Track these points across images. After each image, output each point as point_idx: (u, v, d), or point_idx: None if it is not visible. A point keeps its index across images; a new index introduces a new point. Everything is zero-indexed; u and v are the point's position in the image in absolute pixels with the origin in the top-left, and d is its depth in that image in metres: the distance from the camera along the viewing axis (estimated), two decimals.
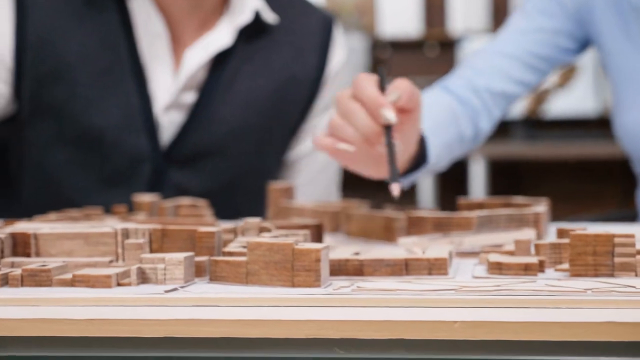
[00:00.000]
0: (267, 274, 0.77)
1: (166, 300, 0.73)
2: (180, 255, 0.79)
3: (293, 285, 0.76)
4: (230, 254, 0.82)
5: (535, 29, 1.47)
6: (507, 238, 0.98)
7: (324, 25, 1.60)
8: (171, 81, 1.50)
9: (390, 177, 1.03)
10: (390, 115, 1.03)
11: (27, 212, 1.31)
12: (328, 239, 1.11)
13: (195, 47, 1.50)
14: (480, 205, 1.18)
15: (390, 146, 1.04)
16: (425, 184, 4.16)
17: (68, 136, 1.48)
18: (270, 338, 0.68)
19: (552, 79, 4.28)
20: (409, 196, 4.23)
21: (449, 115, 1.38)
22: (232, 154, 1.53)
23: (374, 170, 1.13)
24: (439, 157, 1.31)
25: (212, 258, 0.81)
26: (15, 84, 1.46)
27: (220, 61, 1.51)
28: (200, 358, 0.70)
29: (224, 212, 1.32)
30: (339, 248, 0.96)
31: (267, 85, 1.54)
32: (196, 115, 1.50)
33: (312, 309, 0.71)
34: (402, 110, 1.06)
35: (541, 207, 1.09)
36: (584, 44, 1.50)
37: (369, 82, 1.05)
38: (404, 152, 1.13)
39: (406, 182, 1.32)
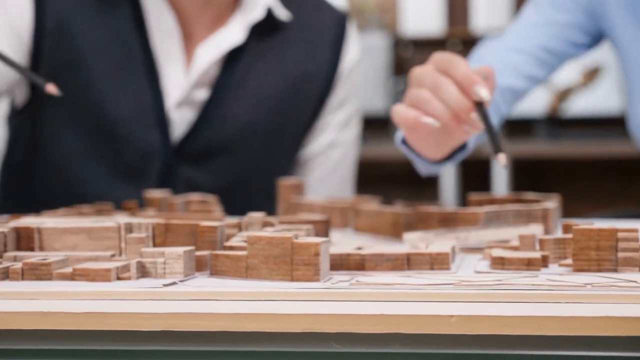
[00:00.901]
0: (267, 268, 0.77)
1: (164, 294, 0.73)
2: (180, 250, 0.79)
3: (292, 280, 0.76)
4: (232, 248, 0.82)
5: (547, 23, 1.46)
6: (513, 234, 0.97)
7: (337, 22, 1.60)
8: (182, 77, 1.50)
9: (494, 148, 1.01)
10: (484, 93, 1.02)
11: (38, 207, 1.32)
12: (336, 234, 1.11)
13: (207, 43, 1.50)
14: (490, 201, 1.17)
15: (487, 120, 1.03)
16: (447, 183, 4.15)
17: (81, 126, 1.48)
18: (266, 332, 0.68)
19: (576, 77, 4.26)
20: (431, 194, 4.22)
21: None
22: (243, 151, 1.53)
23: (436, 150, 1.15)
24: None
25: (212, 252, 0.80)
26: (31, 68, 1.46)
27: (232, 58, 1.51)
28: (197, 352, 0.69)
29: (235, 209, 1.32)
30: (343, 243, 0.96)
31: (280, 82, 1.54)
32: (208, 112, 1.50)
33: (309, 303, 0.70)
34: None
35: (550, 203, 1.08)
36: (596, 37, 1.48)
37: (462, 60, 1.05)
38: (459, 137, 1.13)
39: (436, 168, 1.33)
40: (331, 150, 1.62)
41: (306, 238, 0.77)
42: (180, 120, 1.50)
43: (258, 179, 1.55)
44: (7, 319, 0.69)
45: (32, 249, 0.87)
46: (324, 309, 0.68)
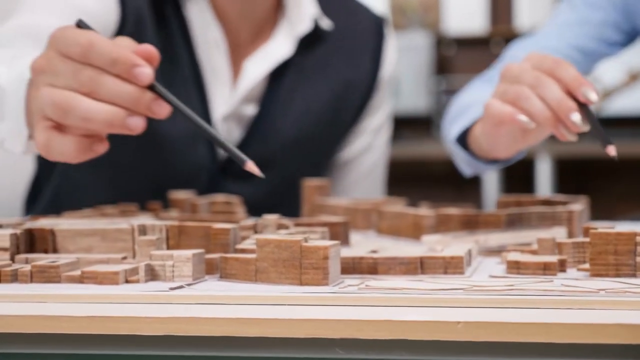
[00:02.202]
0: (276, 271, 0.76)
1: (168, 298, 0.72)
2: (189, 252, 0.78)
3: (301, 284, 0.75)
4: (243, 250, 0.81)
5: (580, 21, 1.43)
6: (535, 236, 0.95)
7: (376, 29, 1.58)
8: (229, 91, 1.47)
9: (603, 141, 0.98)
10: (592, 95, 1.00)
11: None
12: (358, 236, 1.10)
13: (255, 58, 1.47)
14: (517, 203, 1.15)
15: (592, 118, 1.00)
16: (490, 184, 4.12)
17: (130, 140, 1.47)
18: (270, 337, 0.66)
19: (621, 77, 4.21)
20: (474, 195, 4.19)
21: None
22: (287, 164, 1.50)
23: (508, 149, 1.14)
24: None
25: (222, 255, 0.79)
26: None
27: (278, 71, 1.48)
28: (199, 357, 0.68)
29: None
30: (361, 245, 0.94)
31: (324, 93, 1.52)
32: (255, 128, 1.48)
33: (314, 308, 0.69)
34: None
35: (576, 205, 1.06)
36: (631, 36, 1.46)
37: (570, 64, 1.02)
38: (537, 139, 1.12)
39: (489, 169, 1.32)
40: (366, 155, 1.61)
41: (315, 241, 0.76)
42: (226, 135, 1.47)
43: (299, 189, 1.54)
44: (10, 321, 0.69)
45: (46, 251, 0.87)
46: (329, 314, 0.67)
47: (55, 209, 1.44)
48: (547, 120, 1.01)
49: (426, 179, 4.40)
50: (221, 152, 1.47)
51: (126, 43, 0.82)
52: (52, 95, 0.80)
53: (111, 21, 1.38)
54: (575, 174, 4.41)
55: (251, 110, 1.48)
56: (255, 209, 1.27)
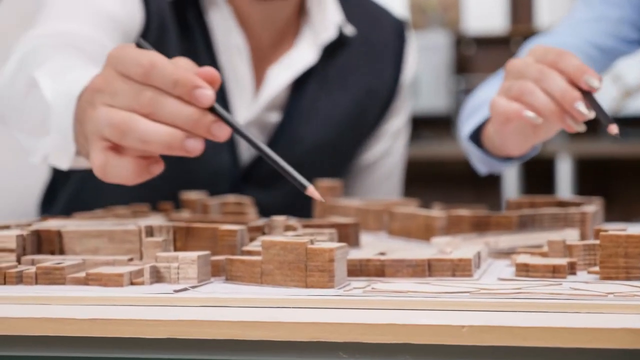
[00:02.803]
0: (282, 274, 0.75)
1: (172, 301, 0.72)
2: (194, 254, 0.78)
3: (307, 286, 0.74)
4: (250, 252, 0.81)
5: (597, 18, 1.41)
6: (546, 238, 0.94)
7: (398, 33, 1.57)
8: (251, 98, 1.46)
9: (605, 121, 0.96)
10: (596, 82, 0.98)
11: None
12: (369, 237, 1.09)
13: (279, 65, 1.46)
14: (530, 204, 1.14)
15: (595, 102, 0.98)
16: (510, 184, 4.10)
17: None
18: (273, 341, 0.66)
19: None
20: (494, 195, 4.17)
21: None
22: (308, 170, 1.49)
23: (520, 145, 1.13)
24: None
25: (228, 257, 0.79)
26: None
27: (301, 79, 1.47)
28: None
29: None
30: (371, 247, 0.93)
31: (346, 100, 1.51)
32: (278, 135, 1.47)
33: (318, 311, 0.68)
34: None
35: (590, 207, 1.05)
36: None
37: (573, 54, 1.01)
38: (548, 134, 1.10)
39: (504, 167, 1.31)
40: (385, 158, 1.61)
41: (322, 243, 0.75)
42: None
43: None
44: (13, 324, 0.68)
45: (53, 252, 0.87)
46: (333, 317, 0.66)
47: (72, 212, 1.43)
48: (552, 113, 0.99)
49: (445, 179, 4.38)
50: (243, 158, 1.46)
51: (185, 64, 0.80)
52: (110, 116, 0.78)
53: (135, 27, 1.37)
54: (596, 174, 4.38)
55: (274, 117, 1.47)
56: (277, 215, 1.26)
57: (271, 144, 1.46)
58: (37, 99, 0.99)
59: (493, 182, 4.14)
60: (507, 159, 1.26)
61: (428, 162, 4.11)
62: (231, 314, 0.68)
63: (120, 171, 0.80)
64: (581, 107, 0.97)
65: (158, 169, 0.82)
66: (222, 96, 1.43)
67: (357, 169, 1.60)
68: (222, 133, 0.79)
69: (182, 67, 0.79)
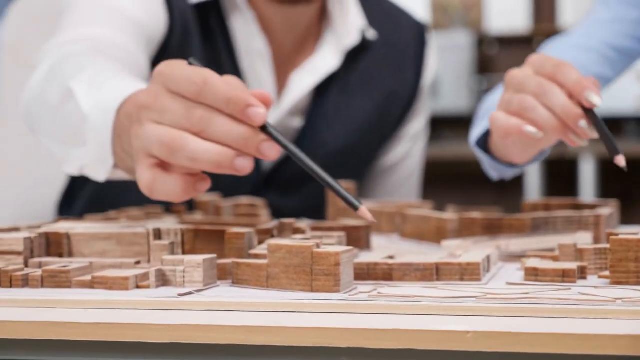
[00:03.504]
0: (287, 277, 0.75)
1: (176, 304, 0.71)
2: (199, 258, 0.77)
3: (312, 290, 0.73)
4: (256, 256, 0.80)
5: (614, 19, 1.40)
6: (558, 242, 0.93)
7: (419, 36, 1.57)
8: (274, 103, 1.45)
9: (611, 152, 0.95)
10: (596, 99, 0.95)
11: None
12: (381, 240, 1.08)
13: (301, 71, 1.45)
14: (546, 207, 1.13)
15: (600, 125, 0.96)
16: (532, 185, 4.08)
17: None
18: (276, 346, 0.65)
19: None
20: (516, 195, 4.15)
21: None
22: (330, 174, 1.48)
23: (522, 155, 1.12)
24: None
25: (234, 260, 0.78)
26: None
27: (324, 84, 1.47)
28: None
29: None
30: (380, 250, 0.93)
31: (368, 104, 1.51)
32: (301, 140, 1.46)
33: (322, 316, 0.68)
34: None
35: (605, 209, 1.04)
36: None
37: (572, 66, 0.99)
38: (550, 144, 1.09)
39: (512, 172, 1.30)
40: (405, 161, 1.60)
41: (327, 247, 0.75)
42: None
43: None
44: (16, 328, 0.68)
45: (61, 255, 0.86)
46: (337, 322, 0.66)
47: (91, 214, 1.43)
48: (554, 129, 0.98)
49: (467, 180, 4.36)
50: (265, 164, 1.46)
51: (236, 82, 0.78)
52: (160, 134, 0.76)
53: (159, 32, 1.36)
54: (619, 176, 4.35)
55: (297, 122, 1.47)
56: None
57: None
58: (72, 109, 0.98)
59: (515, 183, 4.12)
60: (515, 165, 1.25)
61: (450, 163, 4.09)
62: (235, 318, 0.67)
63: (167, 188, 0.79)
64: (583, 124, 0.96)
65: (205, 186, 0.80)
66: None
67: (377, 171, 1.60)
68: (272, 152, 0.77)
69: (234, 85, 0.77)
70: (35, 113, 1.08)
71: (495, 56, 4.50)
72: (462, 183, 4.37)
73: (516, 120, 1.00)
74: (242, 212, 1.18)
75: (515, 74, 1.01)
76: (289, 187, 1.48)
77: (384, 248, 0.99)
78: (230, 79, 0.77)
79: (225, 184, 1.43)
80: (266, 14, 1.43)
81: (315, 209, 1.46)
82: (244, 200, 1.20)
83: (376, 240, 1.07)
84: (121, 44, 1.23)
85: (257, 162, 1.45)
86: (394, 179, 1.60)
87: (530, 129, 0.99)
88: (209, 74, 0.76)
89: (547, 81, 0.98)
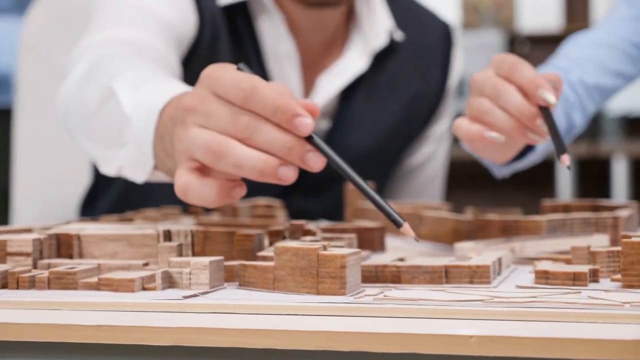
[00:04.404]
0: (293, 280, 0.74)
1: (179, 307, 0.71)
2: (206, 260, 0.76)
3: (318, 293, 0.73)
4: (264, 258, 0.80)
5: (636, 16, 1.38)
6: (572, 244, 0.92)
7: (445, 37, 1.56)
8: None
9: (558, 148, 0.94)
10: (551, 97, 0.95)
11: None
12: (397, 241, 1.07)
13: (329, 73, 1.45)
14: (565, 208, 1.12)
15: (552, 124, 0.96)
16: (564, 185, 4.04)
17: None
18: (278, 349, 0.65)
19: None
20: (547, 197, 4.12)
21: None
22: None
23: (500, 156, 1.11)
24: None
25: (242, 263, 0.78)
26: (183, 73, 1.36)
27: (351, 86, 1.46)
28: None
29: None
30: (392, 252, 0.92)
31: (395, 106, 1.50)
32: (328, 143, 1.45)
33: (325, 319, 0.67)
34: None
35: (624, 211, 1.02)
36: None
37: (526, 64, 0.98)
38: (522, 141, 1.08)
39: (508, 170, 1.29)
40: (430, 162, 1.59)
41: (334, 249, 0.74)
42: None
43: None
44: (19, 329, 0.68)
45: (71, 256, 0.86)
46: (340, 325, 0.65)
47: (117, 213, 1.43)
48: (513, 130, 0.97)
49: (499, 180, 4.34)
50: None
51: (285, 89, 0.77)
52: (205, 139, 0.75)
53: (189, 34, 1.36)
54: None
55: (324, 125, 1.46)
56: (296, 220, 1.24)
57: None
58: (113, 110, 0.98)
59: (547, 184, 4.09)
60: (508, 163, 1.23)
61: (479, 163, 4.07)
62: (237, 321, 0.67)
63: (202, 193, 0.77)
64: (539, 122, 0.95)
65: (241, 193, 0.79)
66: None
67: (401, 172, 1.59)
68: (316, 163, 0.77)
69: (282, 93, 0.76)
70: (73, 114, 1.08)
71: (526, 55, 4.46)
72: (494, 183, 4.35)
73: (477, 127, 0.99)
74: (259, 213, 1.17)
75: (477, 77, 1.00)
76: (315, 191, 1.48)
77: (397, 250, 0.98)
78: (278, 87, 0.76)
79: (252, 186, 1.42)
80: (294, 16, 1.42)
81: (339, 212, 1.45)
82: (261, 201, 1.20)
83: (393, 242, 1.06)
84: (154, 45, 1.23)
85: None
86: (418, 180, 1.59)
87: (492, 134, 0.98)
88: (257, 81, 0.75)
89: (502, 82, 0.96)
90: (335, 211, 1.46)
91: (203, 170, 0.78)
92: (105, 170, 1.02)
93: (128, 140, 0.93)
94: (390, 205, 0.76)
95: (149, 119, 0.89)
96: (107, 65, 1.06)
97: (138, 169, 0.94)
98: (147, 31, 1.25)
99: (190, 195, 0.78)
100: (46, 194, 1.71)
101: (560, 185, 4.04)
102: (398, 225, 0.75)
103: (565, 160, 0.92)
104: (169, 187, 1.44)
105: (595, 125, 4.14)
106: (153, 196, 1.48)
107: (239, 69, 0.79)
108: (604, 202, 1.12)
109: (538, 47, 4.46)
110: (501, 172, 1.31)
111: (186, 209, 1.25)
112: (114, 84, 0.98)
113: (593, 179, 4.13)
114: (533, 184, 4.02)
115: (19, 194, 1.71)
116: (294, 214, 1.43)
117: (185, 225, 1.00)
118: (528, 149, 1.18)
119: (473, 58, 4.24)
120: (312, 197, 1.47)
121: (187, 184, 0.77)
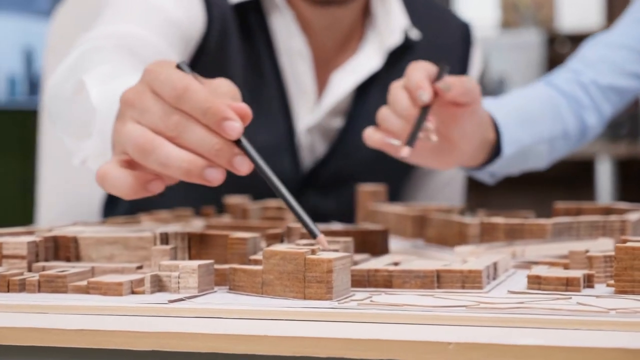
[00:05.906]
0: (281, 284, 0.73)
1: (163, 311, 0.70)
2: (195, 263, 0.76)
3: (305, 298, 0.72)
4: (255, 261, 0.79)
5: None
6: (573, 248, 0.90)
7: (463, 36, 1.54)
8: (314, 103, 1.44)
9: (407, 140, 0.99)
10: (425, 96, 0.99)
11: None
12: (404, 245, 1.06)
13: (342, 71, 1.44)
14: (578, 211, 1.10)
15: (419, 120, 1.00)
16: (604, 186, 3.99)
17: None
18: (257, 354, 0.64)
19: None
20: (587, 198, 4.07)
21: (548, 110, 1.30)
22: (370, 175, 1.46)
23: (434, 161, 1.11)
24: (526, 152, 1.24)
25: (232, 266, 0.77)
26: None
27: (365, 84, 1.45)
28: None
29: None
30: (393, 255, 0.91)
31: None
32: (341, 141, 1.45)
33: (307, 324, 0.66)
34: (456, 104, 1.02)
35: (633, 214, 1.00)
36: None
37: (419, 69, 1.01)
38: (465, 145, 1.07)
39: (485, 174, 1.27)
40: None
41: (322, 253, 0.73)
42: (309, 146, 1.44)
43: None
44: (2, 333, 0.68)
45: (68, 259, 0.86)
46: (319, 331, 0.64)
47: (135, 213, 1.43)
48: (404, 131, 1.01)
49: (538, 180, 4.30)
50: (305, 163, 1.44)
51: (225, 89, 0.79)
52: (136, 135, 0.77)
53: (196, 32, 1.36)
54: None
55: (337, 123, 1.45)
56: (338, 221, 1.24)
57: (334, 150, 1.44)
58: (83, 102, 0.99)
59: (587, 185, 4.04)
60: (479, 167, 1.22)
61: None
62: (220, 326, 0.66)
63: (118, 182, 0.80)
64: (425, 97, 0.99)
65: (158, 187, 0.81)
66: (284, 101, 1.41)
67: (418, 174, 1.57)
68: (243, 167, 0.78)
69: (218, 94, 0.77)
70: (53, 106, 1.09)
71: (567, 54, 4.41)
72: (532, 184, 4.31)
73: (379, 135, 1.04)
74: (269, 215, 1.17)
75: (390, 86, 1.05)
76: (328, 189, 1.47)
77: (400, 253, 0.97)
78: (220, 85, 0.77)
79: (265, 183, 1.41)
80: (305, 14, 1.41)
81: (354, 212, 1.45)
82: (272, 203, 1.19)
83: (399, 244, 1.05)
84: (152, 43, 1.23)
85: (297, 163, 1.43)
86: (434, 182, 1.57)
87: (393, 141, 1.02)
88: (191, 82, 0.76)
89: (396, 88, 1.04)
90: (350, 211, 1.45)
91: (133, 165, 0.80)
92: (74, 162, 1.03)
93: (93, 131, 0.94)
94: (307, 215, 0.78)
95: (111, 110, 0.89)
96: (87, 58, 1.07)
97: (99, 160, 0.95)
98: (150, 28, 1.25)
99: (107, 183, 0.80)
100: (70, 193, 1.72)
101: (600, 187, 3.99)
102: (313, 236, 0.77)
103: (404, 152, 0.97)
104: (186, 187, 1.45)
105: (635, 125, 4.09)
106: (174, 195, 1.48)
107: (178, 67, 0.79)
108: (618, 205, 1.10)
109: (578, 47, 4.41)
110: (484, 177, 1.30)
111: (198, 210, 1.25)
112: (86, 76, 0.99)
113: (633, 180, 4.08)
114: (573, 184, 3.97)
115: (44, 193, 1.72)
116: (307, 213, 1.42)
117: (180, 228, 1.00)
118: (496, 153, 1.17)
119: (512, 58, 4.21)
120: (326, 196, 1.46)
121: (105, 172, 0.80)
